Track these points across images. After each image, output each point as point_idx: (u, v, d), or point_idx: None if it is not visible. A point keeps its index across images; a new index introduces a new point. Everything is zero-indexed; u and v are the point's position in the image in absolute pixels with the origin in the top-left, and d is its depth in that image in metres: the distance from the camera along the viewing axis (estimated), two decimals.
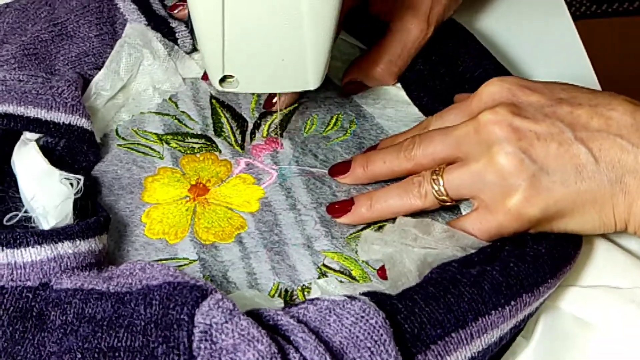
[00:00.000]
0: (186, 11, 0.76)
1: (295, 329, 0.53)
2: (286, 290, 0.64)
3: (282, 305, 0.63)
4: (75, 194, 0.62)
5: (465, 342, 0.56)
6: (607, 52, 1.17)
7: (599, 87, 0.79)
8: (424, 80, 0.76)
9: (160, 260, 0.65)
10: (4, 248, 0.57)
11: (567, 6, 0.90)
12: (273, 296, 0.64)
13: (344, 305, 0.55)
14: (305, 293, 0.64)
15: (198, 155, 0.72)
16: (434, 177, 0.63)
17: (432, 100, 0.75)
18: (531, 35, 0.86)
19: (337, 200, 0.69)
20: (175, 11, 0.77)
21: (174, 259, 0.65)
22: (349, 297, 0.56)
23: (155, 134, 0.73)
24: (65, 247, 0.58)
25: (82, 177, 0.63)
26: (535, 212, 0.60)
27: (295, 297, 0.64)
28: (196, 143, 0.73)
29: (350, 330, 0.54)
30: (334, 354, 0.53)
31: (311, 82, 0.65)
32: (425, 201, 0.64)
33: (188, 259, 0.65)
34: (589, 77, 0.81)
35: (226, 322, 0.52)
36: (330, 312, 0.55)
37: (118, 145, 0.72)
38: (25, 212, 0.63)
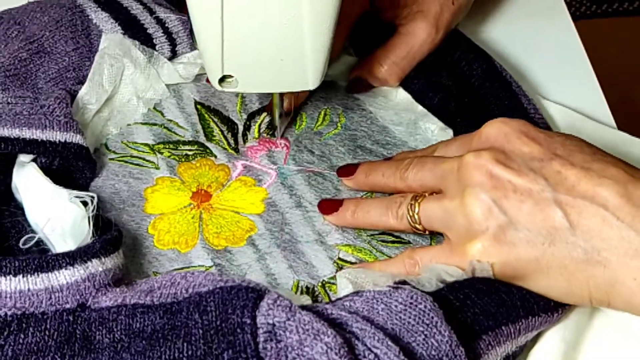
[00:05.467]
0: None
1: (349, 319, 0.54)
2: (307, 288, 0.64)
3: (310, 301, 0.63)
4: (92, 212, 0.61)
5: (513, 336, 0.57)
6: (607, 52, 1.17)
7: (598, 87, 0.80)
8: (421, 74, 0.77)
9: (176, 269, 0.64)
10: (39, 273, 0.55)
11: (567, 6, 0.90)
12: (296, 294, 0.64)
13: (390, 294, 0.56)
14: (326, 288, 0.64)
15: (194, 162, 0.71)
16: (412, 202, 0.63)
17: (424, 85, 0.76)
18: (531, 36, 0.87)
19: (339, 194, 0.70)
20: None
21: (189, 267, 0.65)
22: (393, 287, 0.56)
23: (146, 144, 0.72)
24: (95, 265, 0.57)
25: (95, 195, 0.62)
26: (492, 264, 0.58)
27: (317, 293, 0.64)
28: (189, 150, 0.72)
29: (400, 317, 0.54)
30: (392, 339, 0.53)
31: (310, 81, 0.65)
32: (399, 223, 0.64)
33: (204, 265, 0.65)
34: (589, 77, 0.81)
35: (288, 319, 0.52)
36: (377, 301, 0.56)
37: (110, 159, 0.71)
38: (33, 233, 0.61)
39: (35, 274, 0.55)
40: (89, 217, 0.60)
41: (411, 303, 0.55)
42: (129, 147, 0.72)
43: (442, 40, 0.77)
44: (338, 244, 0.67)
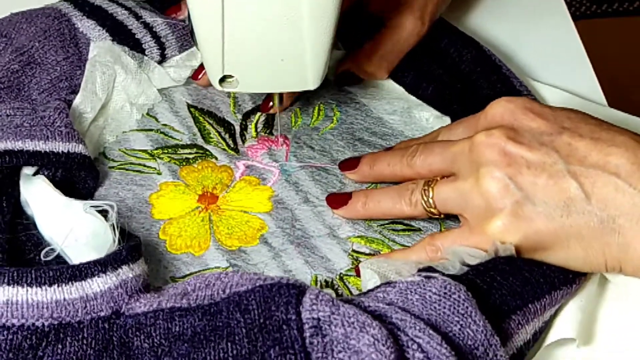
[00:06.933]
0: (185, 12, 0.75)
1: (388, 311, 0.54)
2: (325, 282, 0.64)
3: (334, 295, 0.63)
4: (114, 220, 0.60)
5: (539, 312, 0.58)
6: (607, 52, 1.17)
7: (599, 87, 0.81)
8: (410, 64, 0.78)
9: (193, 273, 0.64)
10: (73, 282, 0.55)
11: (567, 6, 0.91)
12: None
13: (424, 285, 0.56)
14: (345, 281, 0.64)
15: (195, 165, 0.71)
16: (425, 187, 0.64)
17: (416, 77, 0.76)
18: (531, 36, 0.87)
19: (345, 187, 0.70)
20: (174, 15, 0.76)
21: (206, 270, 0.64)
22: (425, 276, 0.57)
23: (144, 150, 0.71)
24: (126, 272, 0.57)
25: (113, 203, 0.61)
26: (513, 240, 0.59)
27: (336, 286, 0.64)
28: (189, 153, 0.71)
29: (435, 308, 0.55)
30: (432, 329, 0.54)
31: (311, 81, 0.66)
32: (414, 209, 0.65)
33: (220, 267, 0.64)
34: (588, 77, 0.82)
35: (333, 313, 0.52)
36: (411, 292, 0.56)
37: (110, 167, 0.70)
38: (50, 246, 0.60)
39: (70, 283, 0.54)
40: (113, 225, 0.59)
41: (445, 293, 0.55)
42: (128, 154, 0.71)
43: (427, 31, 0.78)
44: (350, 237, 0.67)
